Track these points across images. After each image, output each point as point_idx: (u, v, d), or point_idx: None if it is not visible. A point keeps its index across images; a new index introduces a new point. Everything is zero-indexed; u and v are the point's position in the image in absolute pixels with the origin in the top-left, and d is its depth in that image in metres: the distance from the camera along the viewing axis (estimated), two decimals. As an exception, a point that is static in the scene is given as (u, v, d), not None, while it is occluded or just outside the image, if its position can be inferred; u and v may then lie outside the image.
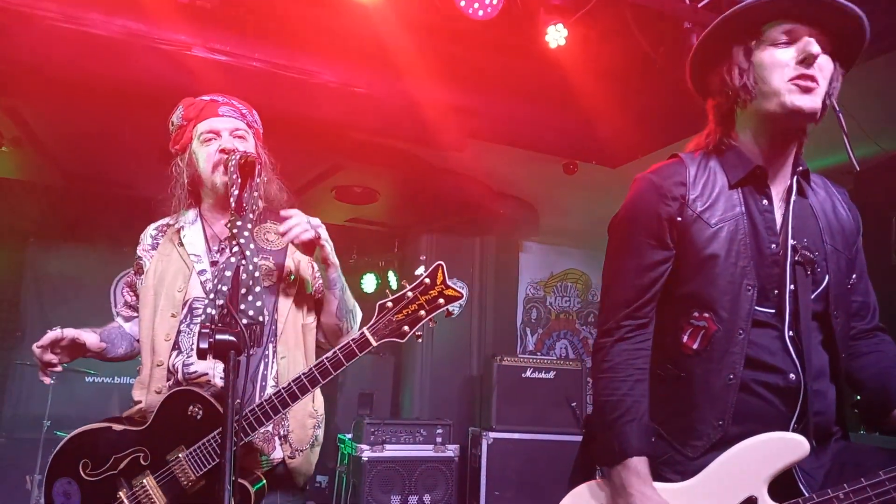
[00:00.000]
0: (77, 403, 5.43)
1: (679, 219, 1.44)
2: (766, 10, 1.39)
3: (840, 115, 1.73)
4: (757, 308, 1.40)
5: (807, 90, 1.36)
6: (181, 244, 1.91)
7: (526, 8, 3.16)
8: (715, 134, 1.52)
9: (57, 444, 1.73)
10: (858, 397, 1.53)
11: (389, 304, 1.65)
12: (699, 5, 3.21)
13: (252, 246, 1.43)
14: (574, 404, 5.06)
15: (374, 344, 1.65)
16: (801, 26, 1.38)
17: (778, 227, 1.45)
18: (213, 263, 1.86)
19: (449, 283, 1.64)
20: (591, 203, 5.02)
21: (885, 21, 3.01)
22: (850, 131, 1.72)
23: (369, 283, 6.67)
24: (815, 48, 1.35)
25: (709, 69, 1.52)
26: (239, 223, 1.45)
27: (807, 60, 1.35)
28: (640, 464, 1.35)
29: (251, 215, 1.50)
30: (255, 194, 1.58)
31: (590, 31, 3.34)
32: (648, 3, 3.19)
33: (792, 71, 1.36)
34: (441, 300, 1.64)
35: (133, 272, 1.99)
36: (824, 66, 1.38)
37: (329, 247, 1.81)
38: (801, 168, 1.50)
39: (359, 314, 1.98)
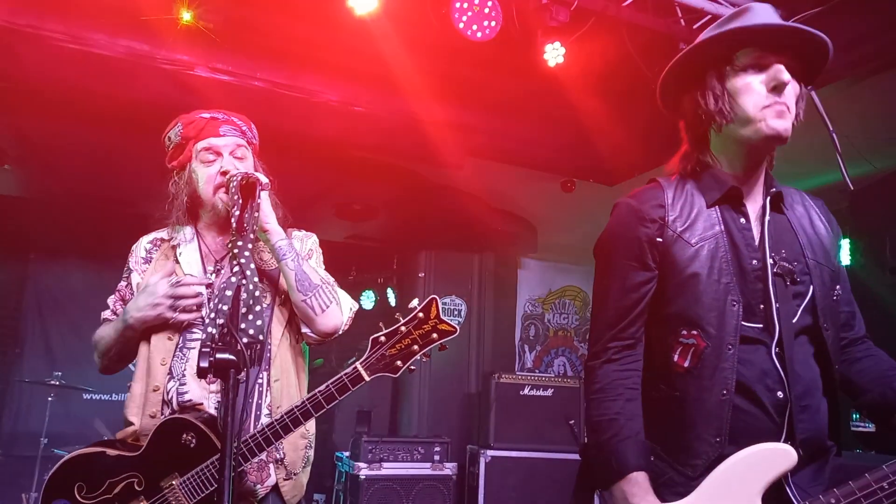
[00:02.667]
0: (75, 421, 5.40)
1: (659, 239, 1.47)
2: (739, 38, 1.44)
3: (834, 135, 1.76)
4: (744, 324, 1.42)
5: (780, 115, 1.42)
6: (177, 262, 1.90)
7: (524, 29, 3.20)
8: (692, 155, 1.57)
9: (54, 461, 1.72)
10: (856, 404, 1.54)
11: (382, 339, 1.64)
12: (694, 26, 3.27)
13: (252, 266, 1.44)
14: (572, 422, 5.04)
15: (367, 379, 1.64)
16: (770, 53, 1.43)
17: (757, 244, 1.48)
18: (209, 286, 1.85)
19: (443, 317, 1.63)
20: (588, 220, 5.05)
21: (877, 42, 3.06)
22: (843, 151, 1.75)
23: (368, 299, 6.68)
24: (785, 76, 1.40)
25: (681, 92, 1.57)
26: (240, 243, 1.46)
27: (778, 88, 1.41)
28: (640, 476, 1.36)
29: (252, 235, 1.51)
30: (256, 214, 1.60)
31: (587, 51, 3.38)
32: (644, 24, 3.24)
33: (765, 99, 1.42)
34: (435, 335, 1.63)
35: (124, 285, 1.96)
36: (791, 90, 1.44)
37: (266, 205, 1.76)
38: (773, 190, 1.54)
39: (344, 298, 1.87)
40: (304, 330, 1.83)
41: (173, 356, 1.79)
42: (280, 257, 1.78)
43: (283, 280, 1.88)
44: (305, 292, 1.77)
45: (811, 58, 1.47)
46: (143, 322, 1.79)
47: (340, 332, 1.85)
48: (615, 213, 1.56)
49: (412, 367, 1.64)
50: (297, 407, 1.63)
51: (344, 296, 1.88)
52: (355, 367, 1.64)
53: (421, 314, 1.63)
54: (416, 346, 1.63)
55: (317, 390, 1.64)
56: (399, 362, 1.63)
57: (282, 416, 1.63)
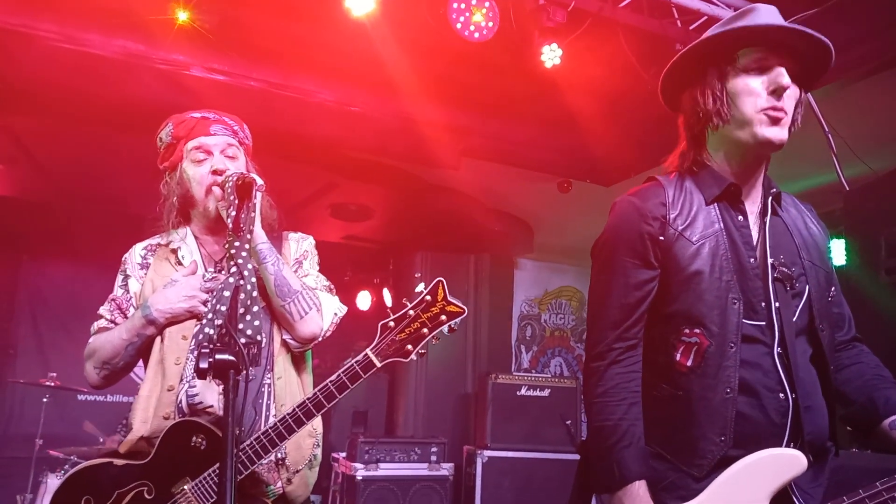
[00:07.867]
0: (69, 421, 5.37)
1: (661, 238, 1.46)
2: (742, 37, 1.45)
3: (829, 135, 1.77)
4: (745, 322, 1.41)
5: (776, 121, 1.42)
6: (180, 264, 1.88)
7: (521, 30, 3.20)
8: (689, 153, 1.57)
9: (49, 462, 1.68)
10: (841, 415, 1.54)
11: (391, 324, 1.63)
12: (690, 28, 3.27)
13: (250, 266, 1.43)
14: (569, 422, 5.05)
15: (379, 365, 1.62)
16: (772, 54, 1.43)
17: (755, 242, 1.49)
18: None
19: (450, 298, 1.63)
20: (585, 221, 5.06)
21: (871, 44, 3.08)
22: (839, 152, 1.76)
23: (364, 300, 6.67)
24: (785, 80, 1.41)
25: (682, 88, 1.57)
26: (237, 244, 1.45)
27: (777, 92, 1.41)
28: (640, 487, 1.36)
29: (248, 235, 1.50)
30: (252, 215, 1.59)
31: (584, 52, 3.39)
32: (641, 25, 3.24)
33: (764, 101, 1.42)
34: (443, 317, 1.62)
35: (121, 293, 1.90)
36: (791, 94, 1.44)
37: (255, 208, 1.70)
38: (773, 190, 1.54)
39: (328, 304, 1.85)
40: (285, 336, 1.81)
41: (186, 357, 1.76)
42: (261, 260, 1.76)
43: None
44: (284, 298, 1.76)
45: (812, 62, 1.47)
46: (171, 315, 1.77)
47: (321, 339, 1.83)
48: (616, 210, 1.54)
49: (422, 351, 1.63)
50: (309, 399, 1.60)
51: (328, 302, 1.86)
52: (366, 354, 1.62)
53: (428, 297, 1.63)
54: (425, 329, 1.62)
55: (328, 381, 1.61)
56: (409, 346, 1.62)
57: (293, 410, 1.60)
